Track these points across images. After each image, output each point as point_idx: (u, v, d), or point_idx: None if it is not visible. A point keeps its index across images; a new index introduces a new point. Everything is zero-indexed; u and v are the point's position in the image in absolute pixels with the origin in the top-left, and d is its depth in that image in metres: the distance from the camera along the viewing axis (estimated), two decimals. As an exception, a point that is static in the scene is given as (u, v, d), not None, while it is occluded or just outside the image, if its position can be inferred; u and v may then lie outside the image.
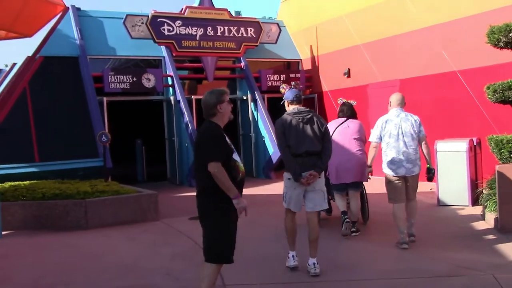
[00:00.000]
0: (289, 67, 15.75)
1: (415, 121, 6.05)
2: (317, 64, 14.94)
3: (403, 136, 5.94)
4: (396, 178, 6.02)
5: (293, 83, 5.83)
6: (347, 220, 6.71)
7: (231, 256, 3.99)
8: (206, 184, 3.90)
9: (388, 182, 6.12)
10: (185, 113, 12.41)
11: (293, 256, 5.35)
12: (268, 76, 14.42)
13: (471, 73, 10.35)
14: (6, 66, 22.64)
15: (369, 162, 6.28)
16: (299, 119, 5.20)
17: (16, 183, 9.56)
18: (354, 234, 6.71)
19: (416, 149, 6.01)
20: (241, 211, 3.91)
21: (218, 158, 3.84)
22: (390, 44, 12.32)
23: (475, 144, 8.82)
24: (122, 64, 13.34)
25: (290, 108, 5.37)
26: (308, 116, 5.21)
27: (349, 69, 13.64)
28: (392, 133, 5.98)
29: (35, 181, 9.78)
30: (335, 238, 6.75)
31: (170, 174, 13.57)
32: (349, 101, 7.26)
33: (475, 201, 8.42)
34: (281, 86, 5.83)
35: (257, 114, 13.71)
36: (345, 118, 6.97)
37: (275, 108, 15.09)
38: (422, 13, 11.46)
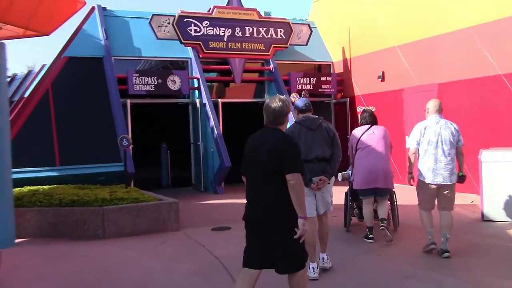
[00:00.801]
0: (320, 70, 15.14)
1: (455, 129, 5.95)
2: (349, 67, 14.29)
3: (443, 144, 5.82)
4: (431, 186, 5.90)
5: (303, 92, 5.86)
6: (371, 238, 6.76)
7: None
8: (277, 197, 3.73)
9: (421, 188, 6.04)
10: (211, 117, 11.94)
11: (313, 268, 5.30)
12: (298, 79, 13.86)
13: (518, 77, 9.58)
14: (31, 68, 22.68)
15: (409, 169, 6.18)
16: (308, 126, 5.33)
17: (35, 187, 9.27)
18: (382, 228, 6.58)
19: (453, 158, 5.90)
20: (302, 234, 3.70)
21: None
22: (428, 46, 11.60)
23: (524, 154, 8.05)
24: (147, 65, 12.96)
25: (300, 117, 5.48)
26: (317, 123, 5.35)
27: (383, 72, 12.96)
28: (431, 140, 5.85)
29: (55, 186, 9.46)
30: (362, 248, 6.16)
31: (195, 180, 13.12)
32: (368, 107, 7.23)
33: (524, 217, 7.70)
34: (291, 95, 5.86)
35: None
36: (369, 125, 6.90)
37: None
38: (463, 12, 10.72)
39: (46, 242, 7.38)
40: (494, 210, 7.78)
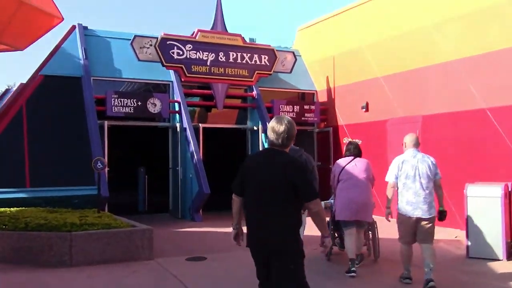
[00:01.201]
0: (303, 98, 14.99)
1: (431, 162, 6.02)
2: (333, 96, 14.16)
3: (420, 178, 5.90)
4: (411, 219, 5.95)
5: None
6: (353, 271, 6.53)
7: None
8: (290, 222, 3.65)
9: (401, 222, 6.07)
10: (191, 142, 11.62)
11: None
12: (281, 106, 13.67)
13: (502, 111, 9.47)
14: (10, 87, 22.16)
15: (387, 203, 6.21)
16: None
17: (2, 209, 8.78)
18: (351, 274, 6.46)
19: (432, 191, 5.98)
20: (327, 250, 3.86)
21: (318, 194, 3.70)
22: (413, 78, 11.52)
23: (510, 189, 7.87)
24: (128, 88, 12.64)
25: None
26: (298, 154, 5.56)
27: (367, 103, 12.84)
28: (409, 174, 5.95)
29: (23, 208, 8.99)
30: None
31: (172, 206, 12.70)
32: (354, 140, 7.49)
33: (510, 254, 7.44)
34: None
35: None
36: (352, 157, 6.98)
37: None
38: (448, 45, 10.69)
39: (8, 269, 6.89)
40: (480, 247, 7.52)
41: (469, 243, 7.61)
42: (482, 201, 7.49)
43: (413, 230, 5.98)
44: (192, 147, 11.57)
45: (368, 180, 6.87)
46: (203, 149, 12.08)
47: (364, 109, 12.88)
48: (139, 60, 12.22)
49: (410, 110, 11.57)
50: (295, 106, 13.86)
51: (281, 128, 3.72)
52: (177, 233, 10.03)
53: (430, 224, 5.94)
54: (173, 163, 12.63)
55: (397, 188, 6.10)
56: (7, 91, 16.01)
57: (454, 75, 10.48)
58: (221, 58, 12.97)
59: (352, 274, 6.47)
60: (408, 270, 6.07)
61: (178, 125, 12.25)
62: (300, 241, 3.71)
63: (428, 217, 5.90)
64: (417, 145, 6.14)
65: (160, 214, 12.62)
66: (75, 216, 8.04)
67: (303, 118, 13.90)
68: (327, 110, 14.32)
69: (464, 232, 8.79)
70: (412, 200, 5.90)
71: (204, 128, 12.45)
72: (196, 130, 12.10)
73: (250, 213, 3.78)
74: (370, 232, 7.39)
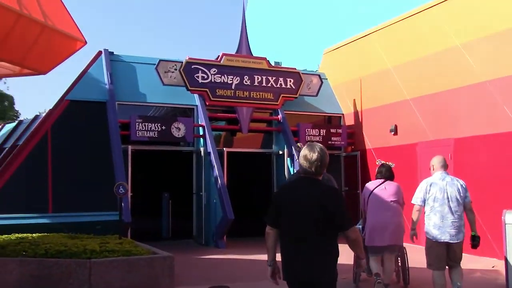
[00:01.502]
0: (330, 122, 14.71)
1: (461, 185, 5.84)
2: (360, 120, 13.85)
3: (449, 201, 5.74)
4: (438, 244, 5.77)
5: (308, 143, 5.63)
6: (379, 281, 6.50)
7: None
8: (329, 252, 3.59)
9: (429, 247, 5.88)
10: (215, 166, 11.42)
11: None
12: (307, 130, 13.40)
13: (540, 134, 9.03)
14: (40, 113, 22.48)
15: (412, 226, 6.05)
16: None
17: (24, 235, 8.67)
18: (378, 282, 6.40)
19: (461, 215, 5.79)
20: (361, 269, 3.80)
21: (353, 222, 3.66)
22: (444, 99, 11.15)
23: (552, 216, 7.39)
24: (154, 112, 12.59)
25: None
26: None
27: (396, 126, 12.48)
28: (437, 197, 5.77)
29: (45, 234, 8.86)
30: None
31: (196, 232, 12.46)
32: (387, 162, 7.25)
33: (554, 286, 6.95)
34: (296, 145, 6.14)
35: (294, 171, 12.58)
36: (383, 180, 6.90)
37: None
38: (481, 65, 10.32)
39: (26, 297, 6.72)
40: (521, 278, 7.03)
41: (509, 275, 7.12)
42: (522, 229, 7.02)
43: (443, 255, 5.79)
44: (216, 171, 11.38)
45: (399, 204, 6.74)
46: (227, 173, 11.87)
47: (392, 132, 12.52)
48: (163, 84, 12.18)
49: (441, 133, 11.17)
50: (321, 130, 13.59)
51: (314, 156, 3.65)
52: (200, 260, 9.77)
53: (458, 249, 5.80)
54: (197, 188, 12.44)
55: (424, 212, 5.94)
56: (36, 117, 16.21)
57: (487, 96, 10.09)
58: (246, 82, 12.84)
59: (379, 280, 6.46)
60: None
61: (202, 149, 12.10)
62: (337, 272, 3.66)
63: (456, 241, 5.73)
64: (445, 167, 5.96)
65: (183, 240, 12.38)
66: (96, 242, 7.85)
67: (329, 142, 13.59)
68: (354, 134, 13.99)
69: (502, 262, 8.32)
70: (440, 224, 5.72)
71: (228, 153, 12.26)
72: (220, 154, 11.92)
73: (286, 245, 3.68)
74: (399, 258, 7.20)
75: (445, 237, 5.71)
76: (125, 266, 7.07)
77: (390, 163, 7.23)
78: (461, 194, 5.77)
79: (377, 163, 7.41)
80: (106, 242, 7.96)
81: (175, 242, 12.15)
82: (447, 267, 5.89)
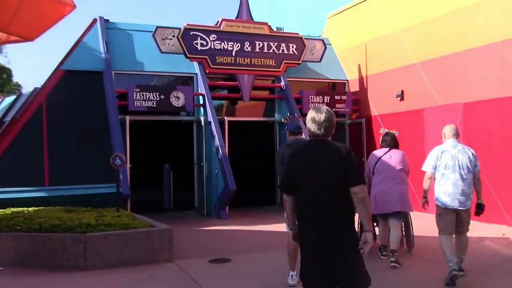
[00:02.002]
0: (334, 88, 14.27)
1: (472, 154, 5.89)
2: (365, 86, 13.41)
3: (460, 168, 5.77)
4: (448, 210, 5.82)
5: (295, 115, 6.39)
6: (385, 255, 6.82)
7: None
8: (345, 215, 3.52)
9: (439, 214, 5.93)
10: (216, 136, 11.09)
11: (292, 275, 5.63)
12: (311, 97, 12.99)
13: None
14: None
15: (424, 193, 6.06)
16: None
17: (19, 209, 8.44)
18: (393, 264, 6.41)
19: (470, 183, 5.84)
20: (368, 248, 3.54)
21: (364, 180, 3.64)
22: (453, 62, 10.68)
23: None
24: (150, 81, 12.17)
25: (291, 138, 5.75)
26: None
27: (402, 91, 12.05)
28: (448, 164, 5.81)
29: (41, 208, 8.63)
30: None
31: (197, 204, 12.21)
32: (391, 131, 7.27)
33: None
34: (283, 118, 6.29)
35: (297, 139, 12.23)
36: (388, 148, 6.94)
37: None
38: (491, 26, 9.82)
39: (20, 273, 6.50)
40: (534, 247, 6.74)
41: (522, 243, 6.83)
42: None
43: (452, 221, 5.84)
44: (217, 141, 11.05)
45: (404, 172, 6.83)
46: (228, 143, 11.54)
47: (399, 98, 12.10)
48: (161, 52, 11.76)
49: (449, 98, 10.75)
50: (325, 97, 13.17)
51: (322, 117, 3.60)
52: (201, 232, 9.53)
53: (467, 216, 5.89)
54: (198, 159, 12.14)
55: (435, 179, 5.97)
56: (35, 90, 15.88)
57: (499, 58, 9.62)
58: (246, 48, 12.38)
59: (384, 257, 6.73)
60: (452, 262, 5.61)
61: (202, 118, 11.74)
62: (356, 232, 3.64)
63: (465, 208, 5.81)
64: (457, 135, 5.99)
65: (185, 211, 12.16)
66: (93, 216, 7.61)
67: (334, 109, 12.95)
68: (359, 101, 13.58)
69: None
70: (450, 191, 5.77)
71: (229, 122, 11.90)
72: (221, 123, 11.57)
73: (304, 209, 3.61)
74: (404, 224, 7.27)
75: (454, 204, 5.75)
76: (122, 239, 6.84)
77: (394, 132, 7.22)
78: (472, 163, 5.81)
79: (381, 131, 7.41)
80: (103, 215, 7.72)
81: (177, 214, 11.94)
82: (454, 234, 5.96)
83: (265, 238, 8.70)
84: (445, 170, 5.80)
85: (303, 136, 5.91)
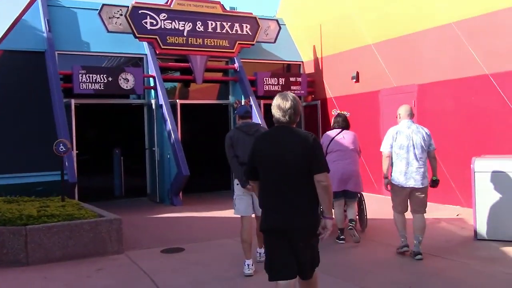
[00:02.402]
0: (289, 70, 14.03)
1: (426, 133, 6.06)
2: (321, 67, 13.23)
3: (414, 148, 5.93)
4: (403, 189, 6.03)
5: (244, 100, 6.56)
6: (343, 239, 6.91)
7: None
8: (308, 200, 3.58)
9: (395, 192, 6.15)
10: (168, 120, 10.65)
11: (248, 264, 5.51)
12: (265, 79, 12.70)
13: (507, 77, 8.63)
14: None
15: (385, 174, 6.21)
16: (246, 131, 5.63)
17: (-46, 200, 7.82)
18: (350, 228, 6.85)
19: (425, 161, 6.02)
20: (327, 234, 3.65)
21: (328, 168, 3.64)
22: (407, 44, 10.62)
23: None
24: (96, 62, 11.52)
25: (240, 122, 5.85)
26: (255, 129, 5.68)
27: (357, 73, 11.94)
28: (402, 144, 5.98)
29: (-22, 198, 8.03)
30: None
31: (150, 190, 11.78)
32: (343, 112, 7.49)
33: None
34: (234, 102, 6.36)
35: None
36: (340, 129, 7.12)
37: (272, 115, 13.48)
38: (446, 6, 9.77)
39: (-47, 270, 5.97)
40: (489, 227, 6.73)
41: (477, 224, 6.81)
42: (492, 177, 6.66)
43: (406, 200, 6.09)
44: (169, 125, 10.62)
45: (356, 152, 7.07)
46: (181, 127, 11.12)
47: (354, 80, 11.99)
48: (108, 31, 11.14)
49: (404, 79, 10.70)
50: (280, 79, 12.91)
51: (287, 104, 3.63)
52: (154, 220, 9.14)
53: (423, 195, 6.02)
54: (149, 144, 11.68)
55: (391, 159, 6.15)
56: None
57: (452, 40, 9.59)
58: (199, 28, 11.93)
59: (342, 241, 6.83)
60: (404, 238, 6.10)
61: (153, 101, 11.26)
62: (319, 217, 3.66)
63: (421, 187, 5.96)
64: (411, 116, 6.16)
65: (138, 198, 11.71)
66: (34, 206, 7.11)
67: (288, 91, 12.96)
68: (315, 82, 13.40)
69: (466, 210, 8.12)
70: (405, 170, 5.94)
71: (182, 105, 11.46)
72: (173, 107, 11.14)
73: (268, 196, 3.65)
74: (357, 204, 7.44)
75: (410, 183, 5.93)
76: (66, 231, 6.39)
77: (346, 113, 7.42)
78: (426, 142, 5.96)
79: (332, 112, 7.62)
80: (46, 205, 7.23)
81: (129, 201, 11.49)
82: (411, 213, 6.12)
83: (221, 225, 8.42)
84: (400, 150, 5.95)
85: (252, 120, 6.05)
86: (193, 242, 7.17)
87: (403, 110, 6.17)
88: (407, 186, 5.96)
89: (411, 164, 5.91)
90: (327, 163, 3.64)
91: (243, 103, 6.21)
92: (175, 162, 10.39)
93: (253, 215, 5.70)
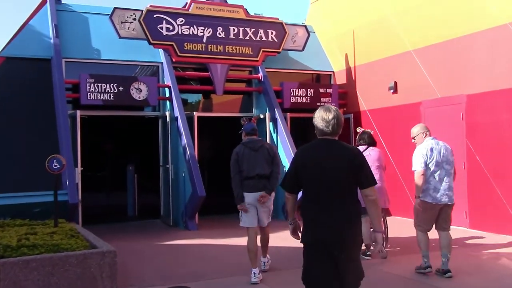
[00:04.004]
0: (318, 81, 12.86)
1: (451, 149, 6.10)
2: (353, 77, 12.02)
3: (445, 164, 5.95)
4: (434, 206, 5.94)
5: (252, 118, 6.95)
6: (369, 255, 6.79)
7: None
8: (354, 212, 3.61)
9: (424, 209, 6.02)
10: (183, 134, 9.60)
11: (254, 273, 5.76)
12: (293, 90, 11.56)
13: None
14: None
15: (417, 192, 6.04)
16: (251, 147, 6.01)
17: None
18: (367, 256, 6.74)
19: (453, 177, 6.08)
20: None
21: (376, 182, 3.69)
22: (453, 49, 9.35)
23: None
24: (107, 71, 10.54)
25: (245, 139, 6.18)
26: (259, 145, 6.06)
27: (395, 83, 10.69)
28: (437, 160, 5.93)
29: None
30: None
31: (163, 211, 10.69)
32: (367, 130, 7.56)
33: None
34: (241, 119, 6.57)
35: (277, 137, 10.81)
36: (366, 146, 7.15)
37: (300, 130, 12.28)
38: (501, 4, 8.49)
39: None
40: None
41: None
42: None
43: (435, 217, 6.03)
44: (184, 140, 9.55)
45: (382, 169, 7.12)
46: (198, 142, 10.07)
47: (392, 91, 10.74)
48: (120, 37, 10.22)
49: (450, 89, 9.41)
50: (308, 90, 11.75)
51: (330, 115, 3.67)
52: (163, 248, 8.00)
53: (450, 211, 6.04)
54: (163, 160, 10.62)
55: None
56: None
57: (508, 42, 8.29)
58: (219, 34, 10.91)
59: (368, 257, 6.66)
60: (427, 258, 6.00)
61: (168, 113, 10.23)
62: (360, 227, 3.71)
63: (452, 203, 5.98)
64: (430, 132, 6.18)
65: (150, 221, 10.65)
66: (18, 233, 6.08)
67: (318, 104, 11.78)
68: (347, 94, 12.20)
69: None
70: (439, 187, 5.90)
71: (199, 118, 10.41)
72: (190, 119, 10.10)
73: (312, 209, 3.62)
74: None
75: (444, 199, 5.90)
76: (48, 266, 5.29)
77: (369, 130, 7.51)
78: (453, 157, 6.05)
79: (358, 130, 7.63)
80: (33, 232, 6.19)
81: (141, 223, 10.46)
82: (437, 231, 6.06)
83: (237, 256, 7.22)
84: (434, 167, 5.89)
85: (256, 137, 6.24)
86: (201, 279, 6.01)
87: (424, 128, 6.19)
88: (441, 203, 5.90)
89: (445, 181, 5.89)
90: (374, 177, 3.64)
91: (250, 121, 6.48)
92: (190, 181, 9.30)
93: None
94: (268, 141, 10.98)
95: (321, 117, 3.66)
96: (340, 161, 3.55)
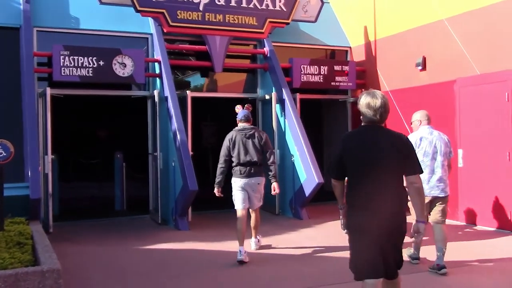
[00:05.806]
0: (333, 57, 11.31)
1: (447, 139, 5.91)
2: (374, 53, 10.48)
3: (438, 155, 5.75)
4: (426, 198, 5.30)
5: (246, 105, 6.77)
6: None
7: None
8: (400, 201, 3.61)
9: None
10: (174, 117, 8.15)
11: (240, 251, 5.98)
12: (303, 68, 10.07)
13: None
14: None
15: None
16: (243, 135, 6.36)
17: None
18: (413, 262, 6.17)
19: (446, 169, 5.85)
20: (420, 238, 4.14)
21: (422, 170, 3.74)
22: (496, 16, 7.82)
23: None
24: (86, 43, 9.08)
25: (239, 125, 6.52)
26: (250, 132, 6.39)
27: (424, 58, 9.14)
28: (427, 151, 5.76)
29: None
30: None
31: (152, 206, 9.29)
32: None
33: None
34: (236, 106, 6.71)
35: (285, 121, 9.33)
36: None
37: (311, 113, 10.79)
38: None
39: None
40: None
41: None
42: None
43: (427, 210, 5.67)
44: (174, 124, 8.11)
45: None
46: (192, 127, 8.63)
47: (419, 68, 9.20)
48: (101, 3, 8.74)
49: (492, 64, 7.87)
50: (322, 67, 10.23)
51: (378, 102, 3.60)
52: (142, 255, 6.53)
53: (444, 204, 5.81)
54: (152, 147, 9.20)
55: None
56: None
57: None
58: (219, 1, 9.41)
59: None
60: (417, 251, 5.95)
61: (156, 93, 8.78)
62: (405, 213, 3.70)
63: (444, 195, 5.78)
64: (429, 121, 5.94)
65: (138, 217, 9.23)
66: None
67: (333, 84, 10.32)
68: (366, 72, 10.68)
69: None
70: (430, 179, 5.74)
71: (194, 98, 8.96)
72: (182, 100, 8.67)
73: (360, 196, 3.57)
74: None
75: (434, 192, 5.73)
76: (-35, 292, 3.92)
77: None
78: (447, 149, 5.85)
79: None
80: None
81: (128, 220, 9.13)
82: (431, 224, 5.76)
83: (231, 269, 5.81)
84: (424, 157, 5.68)
85: (249, 124, 6.42)
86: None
87: (423, 115, 5.95)
88: (431, 195, 5.69)
89: (436, 172, 5.73)
90: (420, 164, 3.65)
91: (244, 108, 6.57)
92: (181, 173, 7.87)
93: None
94: (274, 125, 9.52)
95: (368, 104, 3.60)
96: (388, 148, 3.54)
